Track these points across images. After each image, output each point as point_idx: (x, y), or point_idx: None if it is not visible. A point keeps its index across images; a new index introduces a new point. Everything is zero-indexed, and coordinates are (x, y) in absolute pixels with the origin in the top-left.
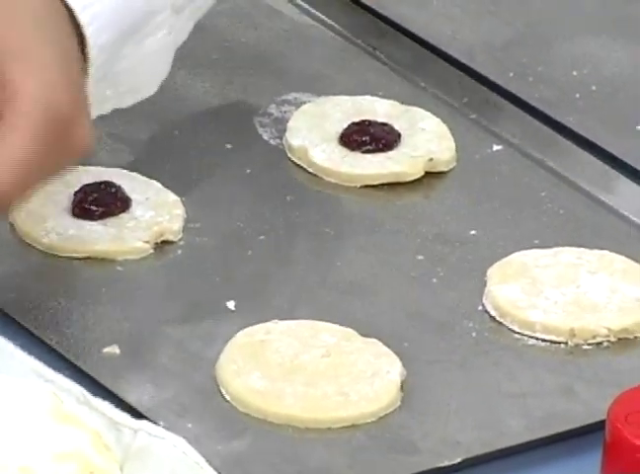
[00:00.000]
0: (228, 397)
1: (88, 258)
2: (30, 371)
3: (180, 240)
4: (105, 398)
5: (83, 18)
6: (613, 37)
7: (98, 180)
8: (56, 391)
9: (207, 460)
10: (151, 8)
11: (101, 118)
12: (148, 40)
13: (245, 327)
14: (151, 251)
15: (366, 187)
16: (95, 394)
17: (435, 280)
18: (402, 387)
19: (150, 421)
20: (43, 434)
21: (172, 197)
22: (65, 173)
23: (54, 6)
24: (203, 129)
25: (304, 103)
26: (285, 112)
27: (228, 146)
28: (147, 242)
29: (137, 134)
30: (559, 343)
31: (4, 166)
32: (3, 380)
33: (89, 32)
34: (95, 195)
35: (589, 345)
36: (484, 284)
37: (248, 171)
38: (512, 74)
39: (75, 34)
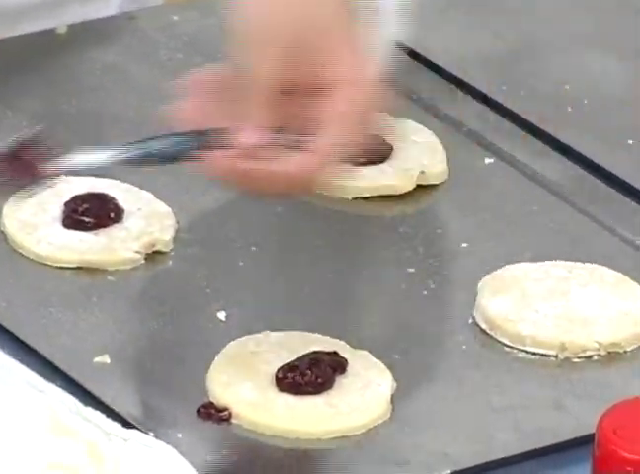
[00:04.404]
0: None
1: (79, 267)
2: (21, 381)
3: (171, 251)
4: (96, 408)
5: None
6: (606, 51)
7: (90, 190)
8: (48, 401)
9: (197, 470)
10: None
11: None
12: None
13: (236, 338)
14: (142, 261)
15: (358, 199)
16: (86, 404)
17: (425, 293)
18: (392, 399)
19: (140, 431)
20: (40, 445)
21: (163, 207)
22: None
23: None
24: None
25: None
26: None
27: None
28: (138, 252)
29: None
30: (549, 356)
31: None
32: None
33: None
34: (86, 205)
35: (579, 358)
36: (475, 297)
37: None
38: (504, 88)
39: None
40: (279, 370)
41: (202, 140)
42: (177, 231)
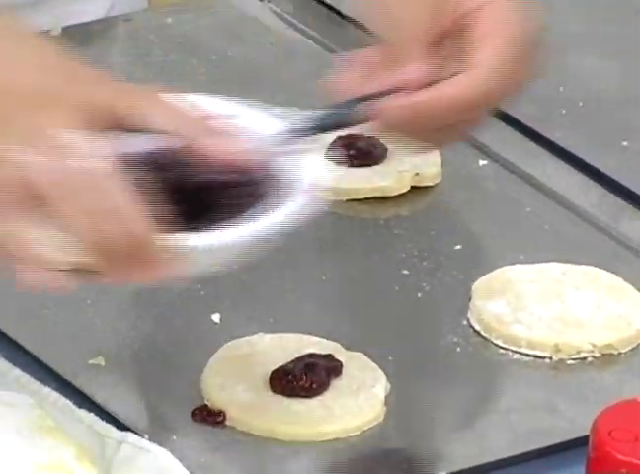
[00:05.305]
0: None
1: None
2: (14, 383)
3: None
4: (89, 410)
5: None
6: (600, 53)
7: None
8: (41, 402)
9: (191, 473)
10: None
11: None
12: None
13: (230, 340)
14: None
15: (352, 201)
16: (80, 406)
17: (420, 295)
18: (386, 401)
19: (135, 433)
20: (27, 446)
21: None
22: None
23: None
24: None
25: None
26: None
27: None
28: None
29: None
30: (543, 358)
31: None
32: None
33: None
34: None
35: (573, 360)
36: (469, 299)
37: None
38: None
39: None
40: (273, 373)
41: (363, 105)
42: None
